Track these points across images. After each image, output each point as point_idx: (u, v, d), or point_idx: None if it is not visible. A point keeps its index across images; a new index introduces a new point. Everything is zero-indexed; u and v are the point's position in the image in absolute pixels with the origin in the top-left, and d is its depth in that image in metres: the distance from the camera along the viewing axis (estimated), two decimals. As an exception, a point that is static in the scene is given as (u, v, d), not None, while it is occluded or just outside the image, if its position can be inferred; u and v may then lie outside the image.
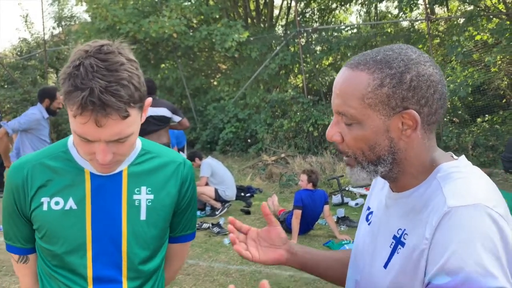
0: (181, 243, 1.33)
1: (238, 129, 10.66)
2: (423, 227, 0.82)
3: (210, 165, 6.35)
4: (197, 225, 5.55)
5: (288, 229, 5.11)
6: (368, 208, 1.09)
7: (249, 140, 10.76)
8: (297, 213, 4.94)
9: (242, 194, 7.08)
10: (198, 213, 6.30)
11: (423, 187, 0.89)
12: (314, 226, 5.41)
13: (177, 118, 5.23)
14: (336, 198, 6.77)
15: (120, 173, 1.15)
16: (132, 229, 1.15)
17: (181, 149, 7.76)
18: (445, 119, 10.06)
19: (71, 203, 1.12)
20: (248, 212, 6.33)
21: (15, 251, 1.20)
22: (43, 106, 4.61)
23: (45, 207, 1.11)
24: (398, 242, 0.89)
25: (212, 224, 5.59)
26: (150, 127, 5.04)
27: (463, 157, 0.93)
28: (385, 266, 0.91)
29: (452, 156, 0.94)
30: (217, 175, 6.30)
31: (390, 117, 0.85)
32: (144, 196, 1.17)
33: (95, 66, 0.94)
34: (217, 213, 6.20)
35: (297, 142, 9.74)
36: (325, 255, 1.18)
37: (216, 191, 6.20)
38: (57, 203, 1.11)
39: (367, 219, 1.07)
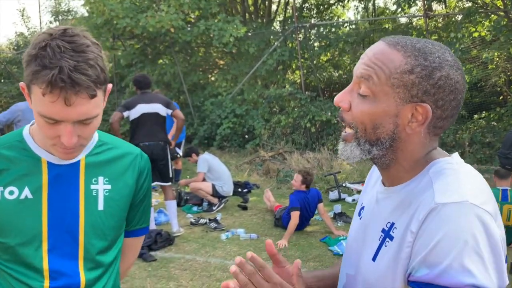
0: (135, 237, 1.33)
1: (235, 125, 10.65)
2: (410, 221, 0.84)
3: (207, 160, 6.35)
4: (194, 220, 5.58)
5: (284, 227, 5.13)
6: (361, 204, 1.10)
7: (246, 136, 10.76)
8: (295, 214, 4.92)
9: (239, 189, 7.09)
10: (195, 208, 6.31)
11: (414, 182, 0.90)
12: (310, 222, 5.43)
13: (169, 111, 5.17)
14: (333, 194, 6.79)
15: (78, 162, 1.15)
16: (90, 219, 1.14)
17: (177, 145, 7.76)
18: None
19: (26, 193, 1.09)
20: (245, 208, 6.34)
21: None
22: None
23: None
24: (386, 235, 0.90)
25: (209, 220, 5.59)
26: (145, 124, 5.01)
27: (456, 154, 0.94)
28: (374, 259, 0.92)
29: (448, 154, 0.94)
30: (214, 170, 6.30)
31: (405, 103, 0.86)
32: (101, 186, 1.17)
33: (62, 47, 0.95)
34: (214, 208, 6.21)
35: (294, 138, 9.75)
36: (331, 274, 1.17)
37: (213, 186, 6.20)
38: (11, 193, 1.09)
39: (359, 214, 1.08)
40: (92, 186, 1.16)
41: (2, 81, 15.15)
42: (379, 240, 0.92)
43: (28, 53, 0.97)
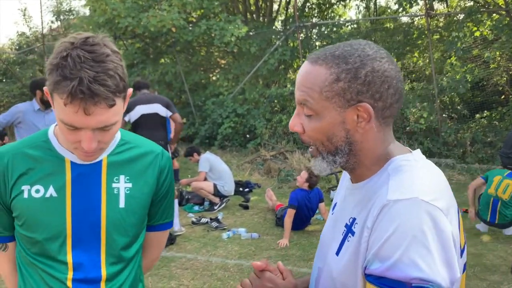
0: (159, 232, 1.38)
1: (236, 124, 10.65)
2: (367, 217, 0.88)
3: (209, 160, 6.35)
4: (195, 220, 5.59)
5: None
6: (335, 201, 1.15)
7: (247, 135, 10.76)
8: (291, 212, 4.94)
9: (241, 189, 7.09)
10: (197, 208, 6.32)
11: (374, 179, 0.93)
12: (311, 221, 5.43)
13: (169, 113, 5.21)
14: (334, 193, 6.78)
15: (100, 162, 1.20)
16: (111, 216, 1.19)
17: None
18: (444, 115, 10.08)
19: (51, 191, 1.15)
20: (246, 207, 6.35)
21: None
22: (36, 98, 4.50)
23: (25, 195, 1.14)
24: (349, 230, 0.94)
25: (211, 219, 5.60)
26: (145, 125, 5.04)
27: (417, 151, 0.97)
28: (337, 253, 0.96)
29: (409, 150, 0.98)
30: (215, 170, 6.31)
31: (345, 109, 0.90)
32: (122, 185, 1.21)
33: (83, 57, 0.98)
34: (215, 208, 6.22)
35: (295, 137, 9.74)
36: None
37: (214, 186, 6.21)
38: (37, 191, 1.15)
39: (332, 210, 1.13)
40: (114, 185, 1.20)
41: (4, 80, 15.18)
42: (342, 235, 0.96)
43: (51, 62, 1.01)
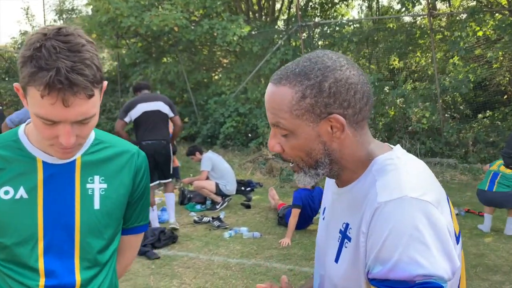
0: (133, 235, 1.33)
1: (239, 124, 10.66)
2: (361, 222, 0.88)
3: (211, 159, 6.36)
4: (197, 219, 5.60)
5: (287, 225, 5.13)
6: (324, 204, 1.15)
7: (249, 135, 10.77)
8: (296, 211, 4.94)
9: (243, 188, 7.11)
10: (198, 207, 6.33)
11: (361, 181, 0.94)
12: (313, 221, 5.43)
13: (171, 114, 5.21)
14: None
15: (74, 162, 1.14)
16: (86, 218, 1.13)
17: None
18: (446, 115, 10.07)
19: (22, 192, 1.09)
20: (248, 206, 6.35)
21: None
22: None
23: None
24: (344, 236, 0.95)
25: (213, 218, 5.61)
26: (147, 122, 5.04)
27: (397, 146, 0.98)
28: (336, 260, 0.96)
29: (390, 147, 0.99)
30: (217, 169, 6.32)
31: (317, 123, 0.91)
32: (97, 185, 1.16)
33: (58, 47, 0.94)
34: (217, 207, 6.23)
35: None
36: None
37: (216, 185, 6.22)
38: (6, 192, 1.09)
39: (322, 214, 1.13)
40: (88, 185, 1.15)
41: (7, 79, 15.23)
42: (338, 241, 0.96)
43: (23, 54, 0.96)
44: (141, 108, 5.03)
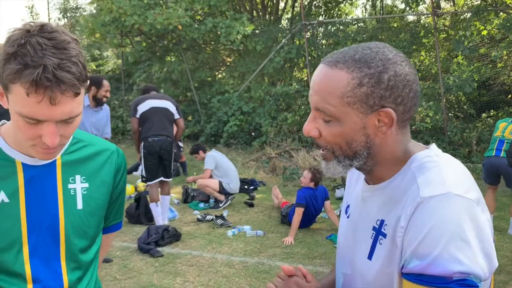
0: (109, 233, 1.33)
1: (242, 122, 10.67)
2: (400, 217, 0.87)
3: (214, 158, 6.38)
4: (201, 217, 5.61)
5: (290, 223, 5.13)
6: (346, 202, 1.12)
7: (253, 133, 10.77)
8: (299, 210, 4.95)
9: (246, 187, 7.11)
10: (202, 205, 6.34)
11: (398, 178, 0.92)
12: (316, 219, 5.44)
13: (176, 116, 5.27)
14: (340, 192, 6.79)
15: (54, 162, 1.12)
16: (69, 218, 1.12)
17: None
18: (450, 114, 10.04)
19: (2, 197, 1.06)
20: (251, 205, 6.36)
21: None
22: (89, 94, 4.36)
23: None
24: (379, 233, 0.93)
25: (216, 216, 5.62)
26: (154, 117, 5.06)
27: (433, 145, 0.96)
28: (369, 257, 0.94)
29: (424, 146, 0.98)
30: (221, 167, 6.33)
31: (367, 115, 0.89)
32: (79, 185, 1.15)
33: (43, 44, 0.91)
34: (220, 205, 6.24)
35: (301, 135, 9.74)
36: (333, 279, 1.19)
37: (220, 183, 6.23)
38: None
39: (346, 213, 1.10)
40: (70, 185, 1.13)
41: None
42: (371, 238, 0.95)
43: (6, 50, 0.92)
44: (149, 103, 5.08)
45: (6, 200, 1.06)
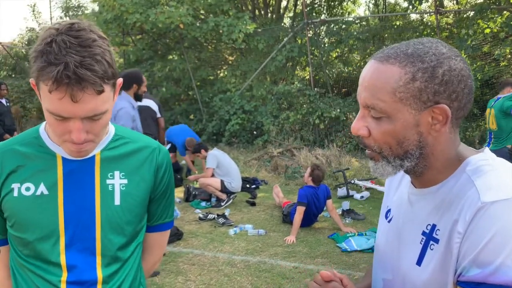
0: (159, 232, 1.31)
1: (244, 121, 10.65)
2: (456, 222, 0.82)
3: (216, 156, 6.37)
4: (202, 216, 5.61)
5: (292, 222, 5.13)
6: (387, 207, 1.08)
7: (255, 132, 10.76)
8: (301, 209, 4.94)
9: (248, 185, 7.11)
10: (204, 204, 6.34)
11: (451, 181, 0.88)
12: (318, 218, 5.43)
13: (158, 114, 5.44)
14: (342, 191, 6.78)
15: (93, 157, 1.14)
16: (106, 214, 1.13)
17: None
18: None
19: (42, 189, 1.10)
20: (253, 204, 6.35)
21: None
22: (129, 93, 4.13)
23: (15, 193, 1.09)
24: (430, 238, 0.88)
25: (218, 215, 5.62)
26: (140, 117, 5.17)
27: (487, 149, 0.92)
28: (419, 263, 0.90)
29: (477, 151, 0.94)
30: (223, 166, 6.32)
31: (420, 111, 0.85)
32: (117, 181, 1.15)
33: (68, 42, 0.94)
34: (222, 204, 6.23)
35: (303, 134, 9.73)
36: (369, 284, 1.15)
37: (222, 182, 6.23)
38: (27, 189, 1.09)
39: (386, 217, 1.06)
40: (108, 181, 1.14)
41: (14, 76, 15.30)
42: (421, 243, 0.90)
43: (35, 49, 0.96)
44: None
45: (46, 192, 1.10)
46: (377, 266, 1.05)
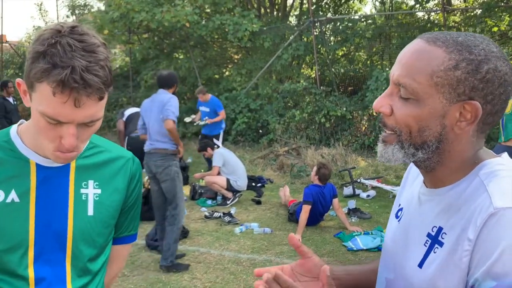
0: (123, 245, 1.27)
1: (250, 120, 10.65)
2: (466, 227, 0.79)
3: (222, 155, 6.38)
4: (208, 214, 5.62)
5: (298, 221, 5.12)
6: (399, 205, 1.05)
7: (260, 131, 10.75)
8: (306, 208, 4.93)
9: (253, 184, 7.10)
10: (209, 202, 6.35)
11: (463, 184, 0.84)
12: (324, 217, 5.42)
13: None
14: (348, 190, 6.76)
15: (68, 165, 1.10)
16: (79, 224, 1.09)
17: (215, 137, 7.89)
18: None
19: (13, 196, 1.04)
20: (259, 202, 6.36)
21: None
22: (169, 91, 4.32)
23: None
24: (434, 241, 0.85)
25: (223, 214, 5.62)
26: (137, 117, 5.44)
27: (505, 154, 0.88)
28: (420, 265, 0.87)
29: (495, 155, 0.90)
30: (229, 165, 6.33)
31: (452, 103, 0.81)
32: (91, 190, 1.12)
33: (73, 45, 0.92)
34: (228, 202, 6.24)
35: (308, 133, 9.71)
36: (362, 270, 1.14)
37: (228, 181, 6.23)
38: None
39: (396, 216, 1.03)
40: (82, 190, 1.11)
41: (20, 74, 15.39)
42: (425, 245, 0.87)
43: (35, 49, 0.92)
44: (127, 113, 5.54)
45: (17, 199, 1.04)
46: (382, 264, 1.03)
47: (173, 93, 4.38)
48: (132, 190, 1.21)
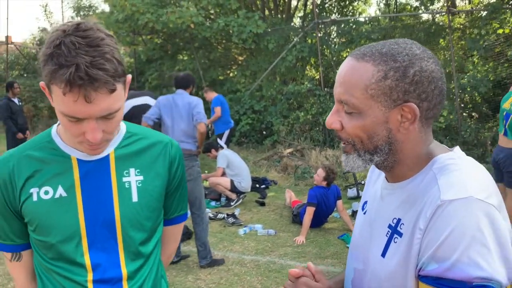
0: (174, 225, 1.34)
1: (254, 121, 10.65)
2: (418, 218, 0.86)
3: (226, 156, 6.39)
4: (212, 215, 5.62)
5: (301, 223, 5.12)
6: (364, 199, 1.13)
7: (264, 132, 10.76)
8: (310, 210, 4.93)
9: (257, 185, 7.11)
10: (213, 203, 6.35)
11: (419, 178, 0.92)
12: (328, 219, 5.41)
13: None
14: (352, 192, 6.75)
15: (107, 156, 1.15)
16: (125, 211, 1.14)
17: (219, 136, 7.91)
18: (464, 114, 9.92)
19: (60, 191, 1.11)
20: (262, 204, 6.36)
21: (6, 249, 1.19)
22: (186, 92, 4.33)
23: (34, 198, 1.10)
24: (394, 231, 0.93)
25: (227, 215, 5.63)
26: (138, 116, 5.24)
27: (457, 148, 0.95)
28: (383, 255, 0.94)
29: (447, 148, 0.97)
30: (233, 166, 6.34)
31: (390, 109, 0.88)
32: (133, 178, 1.17)
33: (77, 43, 0.94)
34: (232, 204, 6.25)
35: (313, 134, 9.70)
36: (342, 278, 1.19)
37: (232, 182, 6.23)
38: (46, 193, 1.11)
39: (362, 209, 1.11)
40: (124, 179, 1.16)
41: (26, 75, 15.48)
42: (387, 236, 0.94)
43: (44, 52, 0.96)
44: (130, 103, 5.29)
45: (64, 194, 1.11)
46: (351, 255, 1.09)
47: (190, 94, 4.43)
48: (174, 173, 1.24)
